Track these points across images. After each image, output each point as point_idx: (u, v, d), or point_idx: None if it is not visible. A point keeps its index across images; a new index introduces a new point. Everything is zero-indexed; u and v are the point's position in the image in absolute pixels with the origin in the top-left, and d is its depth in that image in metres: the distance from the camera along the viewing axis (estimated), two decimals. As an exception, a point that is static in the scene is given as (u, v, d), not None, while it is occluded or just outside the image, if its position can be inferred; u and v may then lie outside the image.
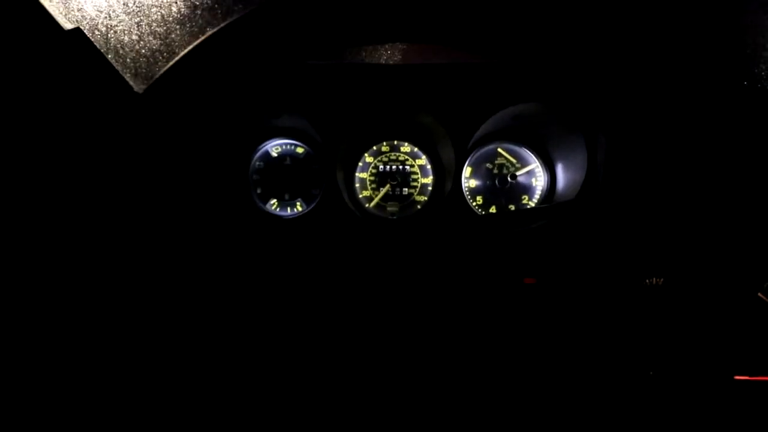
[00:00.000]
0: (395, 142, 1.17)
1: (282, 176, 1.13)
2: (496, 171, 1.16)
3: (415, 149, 1.17)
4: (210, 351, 0.74)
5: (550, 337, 0.78)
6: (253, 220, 1.04)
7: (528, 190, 1.15)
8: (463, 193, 1.09)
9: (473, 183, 1.17)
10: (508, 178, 1.13)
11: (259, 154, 1.14)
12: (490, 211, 1.15)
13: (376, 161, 1.17)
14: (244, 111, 0.91)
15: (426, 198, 1.16)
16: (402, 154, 1.17)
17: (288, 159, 1.15)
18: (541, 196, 1.14)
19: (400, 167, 1.17)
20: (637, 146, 0.76)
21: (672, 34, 0.62)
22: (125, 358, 0.69)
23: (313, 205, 1.09)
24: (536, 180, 1.15)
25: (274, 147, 1.15)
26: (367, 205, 1.16)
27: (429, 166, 1.17)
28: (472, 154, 1.15)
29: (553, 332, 0.78)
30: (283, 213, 1.14)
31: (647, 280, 0.76)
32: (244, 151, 1.10)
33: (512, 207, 1.14)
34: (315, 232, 0.99)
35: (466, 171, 1.16)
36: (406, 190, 1.17)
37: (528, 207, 1.13)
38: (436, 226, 0.93)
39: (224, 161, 0.96)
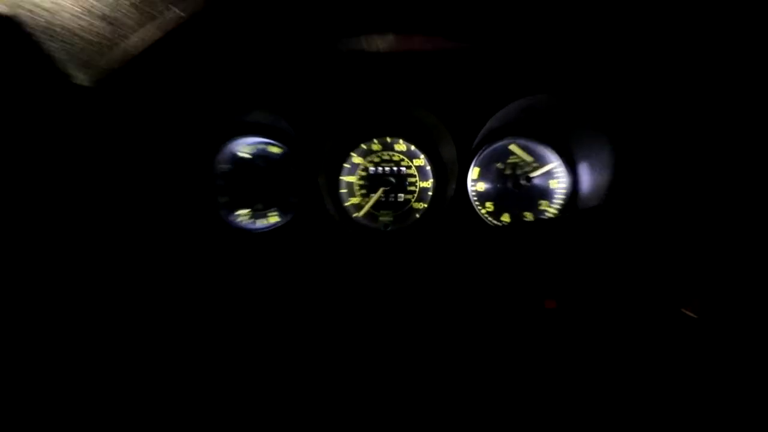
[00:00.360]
0: (388, 140, 1.16)
1: (253, 181, 1.10)
2: (508, 172, 1.14)
3: (412, 147, 1.16)
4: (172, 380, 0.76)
5: (572, 373, 0.78)
6: (218, 236, 1.04)
7: (547, 193, 1.14)
8: (469, 198, 1.08)
9: (482, 186, 1.15)
10: (523, 180, 1.13)
11: (225, 154, 1.11)
12: (503, 219, 1.14)
13: (365, 162, 1.16)
14: (207, 104, 0.92)
15: (425, 205, 1.15)
16: (396, 154, 1.16)
17: (260, 161, 1.12)
18: (562, 200, 1.14)
19: (395, 169, 1.16)
20: (668, 143, 0.78)
21: (710, 27, 0.65)
22: (75, 387, 0.71)
23: (290, 216, 1.08)
24: (556, 181, 1.14)
25: (244, 146, 1.12)
26: (355, 215, 1.15)
27: (429, 167, 1.16)
28: (479, 152, 1.14)
29: (577, 367, 0.78)
30: (254, 226, 1.12)
31: (685, 308, 0.76)
32: (206, 151, 1.07)
33: (529, 215, 1.13)
34: (293, 248, 0.99)
35: (473, 172, 1.15)
36: (401, 196, 1.16)
37: (547, 215, 1.13)
38: (438, 239, 0.95)
39: (183, 163, 0.95)
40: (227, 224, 1.09)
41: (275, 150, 1.13)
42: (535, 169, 1.14)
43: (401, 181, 1.16)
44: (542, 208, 1.14)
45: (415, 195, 1.17)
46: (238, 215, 1.12)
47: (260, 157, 1.13)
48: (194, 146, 1.01)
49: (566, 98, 0.94)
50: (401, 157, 1.17)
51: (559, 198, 1.13)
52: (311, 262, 0.91)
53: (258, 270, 0.91)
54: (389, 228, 1.15)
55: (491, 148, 1.15)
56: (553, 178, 1.14)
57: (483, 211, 1.14)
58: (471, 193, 1.13)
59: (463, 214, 1.05)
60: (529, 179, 1.14)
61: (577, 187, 1.11)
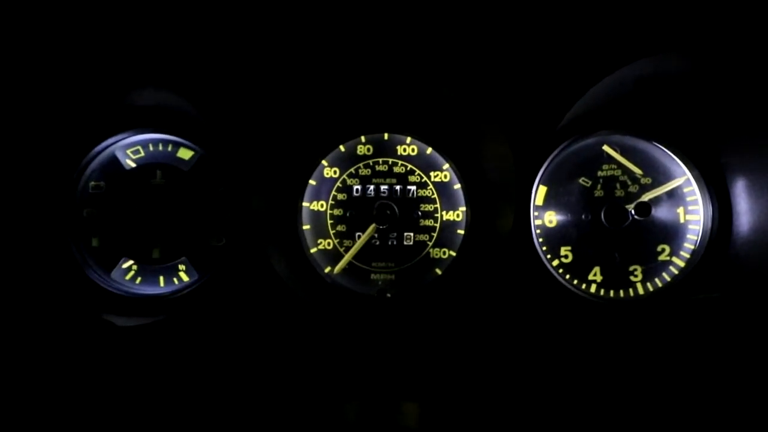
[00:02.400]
0: (385, 138, 1.03)
1: (144, 210, 0.98)
2: (600, 192, 0.98)
3: (429, 150, 1.02)
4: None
5: None
6: (82, 307, 0.92)
7: (670, 233, 0.97)
8: (533, 241, 0.94)
9: (552, 218, 0.98)
10: (630, 210, 0.95)
11: (96, 162, 0.99)
12: (591, 280, 0.97)
13: (345, 176, 1.02)
14: (63, 74, 0.82)
15: (453, 253, 1.01)
16: (400, 162, 1.03)
17: (157, 174, 0.97)
18: (698, 246, 0.96)
19: (397, 189, 1.02)
20: None
21: None
22: None
23: (208, 276, 0.95)
24: (686, 211, 0.98)
25: (130, 148, 1.00)
26: (328, 271, 1.00)
27: (458, 186, 1.02)
28: (550, 158, 0.98)
29: None
30: (145, 290, 0.99)
31: None
32: (63, 156, 0.97)
33: (638, 273, 0.95)
34: (213, 332, 0.88)
35: (539, 193, 0.99)
36: (410, 236, 1.01)
37: (672, 271, 0.95)
38: (475, 317, 0.86)
39: (19, 176, 0.87)
40: (98, 286, 0.96)
41: (184, 154, 0.98)
42: (648, 187, 0.97)
43: (409, 211, 1.00)
44: (662, 259, 0.95)
45: (435, 235, 1.01)
46: (122, 269, 0.98)
47: (157, 166, 0.98)
48: (40, 146, 0.92)
49: (721, 64, 0.83)
50: (409, 166, 1.02)
51: (691, 243, 0.97)
52: (245, 360, 0.82)
53: (151, 369, 0.81)
54: (388, 294, 1.00)
55: (572, 149, 0.98)
56: (679, 205, 0.97)
57: (555, 262, 0.97)
58: (535, 232, 0.97)
59: (522, 269, 0.91)
60: (644, 209, 0.94)
61: (729, 223, 0.95)
